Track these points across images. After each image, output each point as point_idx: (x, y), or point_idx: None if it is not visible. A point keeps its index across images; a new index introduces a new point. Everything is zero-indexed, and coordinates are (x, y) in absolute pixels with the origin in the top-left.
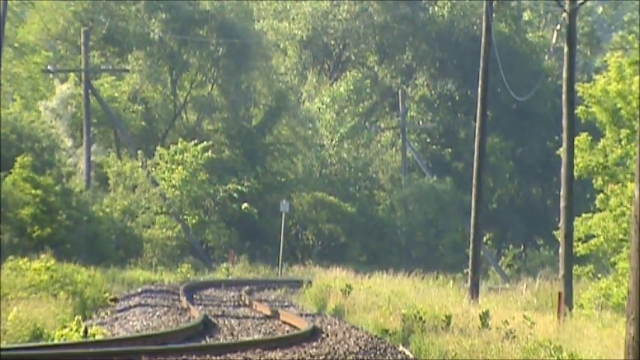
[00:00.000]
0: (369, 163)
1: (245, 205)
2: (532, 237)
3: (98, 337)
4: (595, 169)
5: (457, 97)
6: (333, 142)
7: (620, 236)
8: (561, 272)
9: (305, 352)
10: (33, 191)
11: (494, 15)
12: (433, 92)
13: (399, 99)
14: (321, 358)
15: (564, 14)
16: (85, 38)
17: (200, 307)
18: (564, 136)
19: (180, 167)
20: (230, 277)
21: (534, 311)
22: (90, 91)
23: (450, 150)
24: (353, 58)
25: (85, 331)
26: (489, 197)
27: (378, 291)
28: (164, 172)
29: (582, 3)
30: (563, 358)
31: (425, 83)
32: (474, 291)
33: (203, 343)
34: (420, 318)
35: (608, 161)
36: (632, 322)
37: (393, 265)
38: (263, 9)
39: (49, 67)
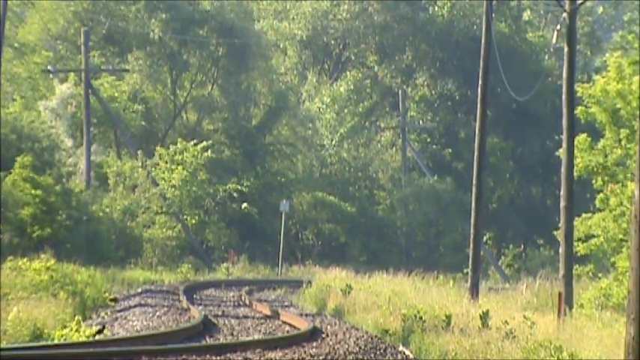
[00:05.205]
0: (369, 163)
1: (245, 205)
2: (532, 237)
3: (98, 337)
4: (595, 169)
5: (457, 97)
6: (333, 142)
7: (620, 236)
8: (561, 272)
9: (305, 352)
10: (33, 191)
11: (494, 15)
12: (433, 92)
13: (399, 99)
14: (321, 358)
15: (564, 14)
16: (85, 38)
17: (200, 307)
18: (564, 136)
19: (180, 167)
20: (230, 277)
21: (534, 311)
22: (90, 91)
23: (450, 150)
24: (353, 58)
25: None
26: (489, 197)
27: (378, 291)
28: (164, 172)
29: (582, 3)
30: (563, 358)
31: (425, 83)
32: (474, 291)
33: (203, 343)
34: (420, 318)
35: (608, 161)
36: (632, 322)
37: (393, 265)
38: (263, 9)
39: (49, 67)
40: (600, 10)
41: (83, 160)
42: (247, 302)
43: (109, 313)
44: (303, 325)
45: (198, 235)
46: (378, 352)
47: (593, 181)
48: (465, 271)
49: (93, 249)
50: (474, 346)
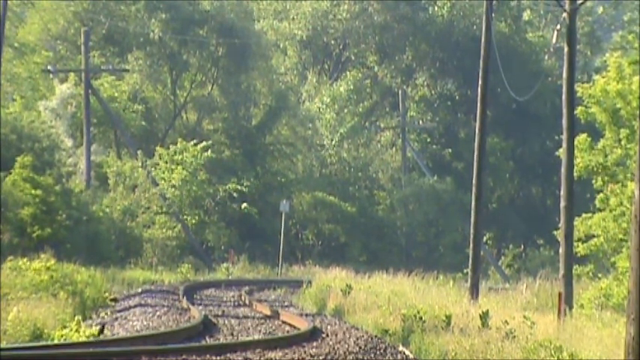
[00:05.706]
0: (369, 163)
1: (245, 205)
2: (532, 237)
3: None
4: (595, 169)
5: (457, 97)
6: (333, 142)
7: (620, 236)
8: (561, 272)
9: (305, 352)
10: (33, 191)
11: (494, 15)
12: (433, 92)
13: (399, 99)
14: (321, 358)
15: (564, 14)
16: (85, 38)
17: (200, 307)
18: (564, 136)
19: (180, 167)
20: (230, 277)
21: (534, 311)
22: (90, 91)
23: (450, 150)
24: (353, 58)
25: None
26: (489, 197)
27: (378, 291)
28: (164, 172)
29: (582, 3)
30: (563, 358)
31: (425, 83)
32: (474, 291)
33: (203, 343)
34: (420, 318)
35: (608, 161)
36: (632, 322)
37: (393, 265)
38: (263, 9)
39: (49, 67)
40: (600, 10)
41: (83, 160)
42: (247, 302)
43: (109, 313)
44: (303, 325)
45: (198, 235)
46: (378, 352)
47: (593, 181)
48: (465, 271)
49: (93, 249)
50: (474, 346)
